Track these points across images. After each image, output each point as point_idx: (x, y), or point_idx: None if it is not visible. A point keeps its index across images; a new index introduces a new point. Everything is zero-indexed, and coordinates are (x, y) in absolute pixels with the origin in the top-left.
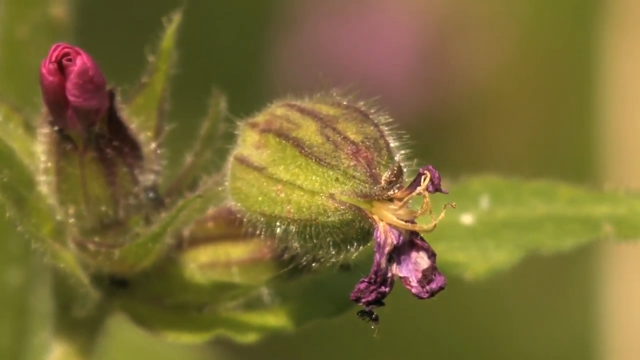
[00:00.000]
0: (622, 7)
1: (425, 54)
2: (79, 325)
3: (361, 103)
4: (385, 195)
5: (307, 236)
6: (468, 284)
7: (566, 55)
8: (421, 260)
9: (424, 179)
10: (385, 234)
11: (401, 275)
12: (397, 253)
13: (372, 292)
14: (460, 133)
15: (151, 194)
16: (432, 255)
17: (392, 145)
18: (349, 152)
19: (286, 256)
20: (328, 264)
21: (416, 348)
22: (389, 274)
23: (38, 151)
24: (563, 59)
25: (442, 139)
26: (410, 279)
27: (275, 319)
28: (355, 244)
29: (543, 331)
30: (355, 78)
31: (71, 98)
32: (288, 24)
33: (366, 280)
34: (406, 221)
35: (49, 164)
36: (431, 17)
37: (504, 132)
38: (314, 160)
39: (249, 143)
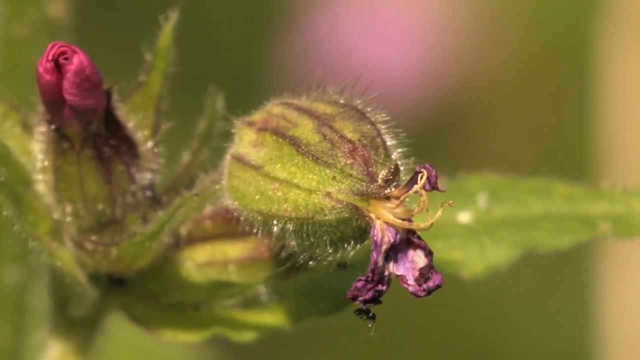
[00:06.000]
0: (622, 6)
1: (425, 53)
2: (77, 324)
3: (358, 101)
4: (382, 194)
5: (304, 235)
6: (465, 282)
7: (565, 54)
8: (418, 258)
9: (421, 177)
10: (382, 232)
11: (398, 273)
12: (394, 251)
13: (369, 290)
14: (458, 132)
15: (148, 193)
16: (429, 253)
17: (389, 143)
18: (345, 150)
19: (283, 255)
20: (325, 263)
21: (413, 347)
22: (386, 273)
23: (35, 150)
24: (562, 58)
25: (440, 138)
26: (407, 278)
27: (273, 318)
28: (352, 242)
29: (541, 330)
30: (353, 76)
31: (68, 97)
32: (286, 22)
33: (363, 278)
34: (403, 219)
35: (46, 163)
36: (431, 15)
37: (501, 131)
38: (310, 159)
39: (246, 141)
